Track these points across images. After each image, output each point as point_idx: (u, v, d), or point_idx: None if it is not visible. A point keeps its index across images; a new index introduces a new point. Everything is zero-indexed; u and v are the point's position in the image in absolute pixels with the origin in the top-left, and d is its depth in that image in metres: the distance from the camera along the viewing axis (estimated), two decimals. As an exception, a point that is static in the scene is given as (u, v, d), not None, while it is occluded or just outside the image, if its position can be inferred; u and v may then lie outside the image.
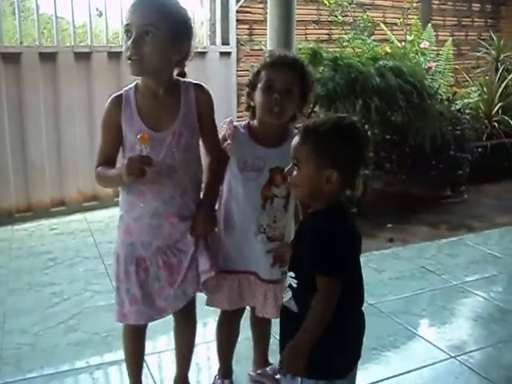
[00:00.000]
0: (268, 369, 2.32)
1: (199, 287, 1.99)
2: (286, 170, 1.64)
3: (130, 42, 1.77)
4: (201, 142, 2.01)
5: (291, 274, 1.62)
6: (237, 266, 2.06)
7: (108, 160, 1.91)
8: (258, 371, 2.33)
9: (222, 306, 2.10)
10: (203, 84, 1.98)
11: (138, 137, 1.75)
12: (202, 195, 2.01)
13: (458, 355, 2.56)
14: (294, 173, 1.60)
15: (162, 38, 1.78)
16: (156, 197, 1.88)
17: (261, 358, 2.33)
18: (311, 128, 1.58)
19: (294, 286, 1.60)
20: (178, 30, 1.84)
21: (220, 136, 2.04)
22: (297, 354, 1.51)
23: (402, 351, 2.64)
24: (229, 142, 2.01)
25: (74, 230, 4.31)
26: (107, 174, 1.89)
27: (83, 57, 4.64)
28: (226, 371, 2.28)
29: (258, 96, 1.97)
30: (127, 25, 1.79)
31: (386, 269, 3.50)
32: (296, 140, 1.61)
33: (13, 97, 4.40)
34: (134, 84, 1.92)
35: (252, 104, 2.03)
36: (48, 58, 4.50)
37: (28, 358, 2.54)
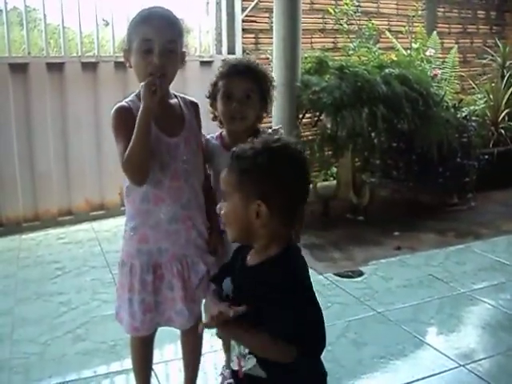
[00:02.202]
0: None
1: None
2: (217, 206, 1.41)
3: (155, 59, 1.78)
4: None
5: None
6: None
7: None
8: None
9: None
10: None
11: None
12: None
13: (466, 363, 2.55)
14: (223, 209, 1.38)
15: (178, 51, 1.87)
16: (175, 201, 1.90)
17: None
18: (237, 153, 1.35)
19: None
20: (184, 41, 1.92)
21: None
22: (233, 331, 1.34)
23: (410, 359, 2.63)
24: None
25: (82, 239, 4.32)
26: (133, 137, 1.75)
27: (90, 67, 4.67)
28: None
29: (219, 106, 2.02)
30: (148, 40, 1.79)
31: (393, 277, 3.48)
32: (224, 169, 1.39)
33: (20, 107, 4.43)
34: (133, 95, 1.91)
35: (216, 114, 2.07)
36: (55, 68, 4.54)
37: (36, 368, 2.55)
